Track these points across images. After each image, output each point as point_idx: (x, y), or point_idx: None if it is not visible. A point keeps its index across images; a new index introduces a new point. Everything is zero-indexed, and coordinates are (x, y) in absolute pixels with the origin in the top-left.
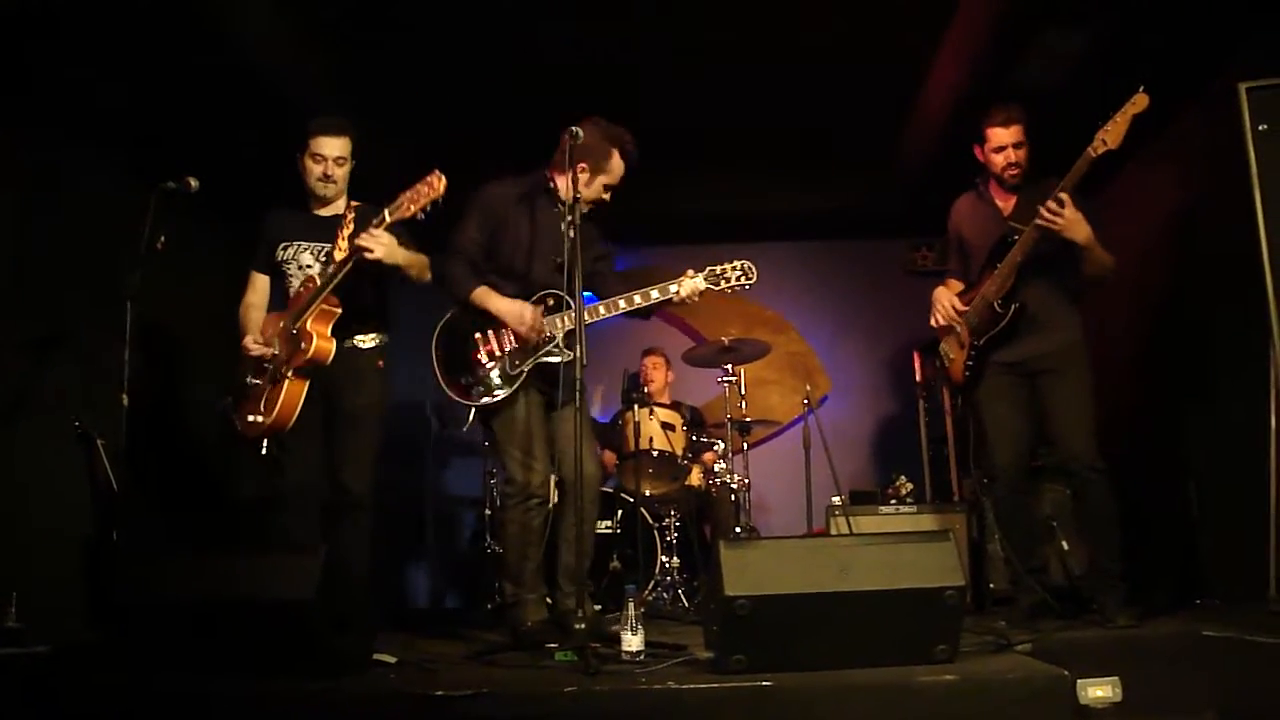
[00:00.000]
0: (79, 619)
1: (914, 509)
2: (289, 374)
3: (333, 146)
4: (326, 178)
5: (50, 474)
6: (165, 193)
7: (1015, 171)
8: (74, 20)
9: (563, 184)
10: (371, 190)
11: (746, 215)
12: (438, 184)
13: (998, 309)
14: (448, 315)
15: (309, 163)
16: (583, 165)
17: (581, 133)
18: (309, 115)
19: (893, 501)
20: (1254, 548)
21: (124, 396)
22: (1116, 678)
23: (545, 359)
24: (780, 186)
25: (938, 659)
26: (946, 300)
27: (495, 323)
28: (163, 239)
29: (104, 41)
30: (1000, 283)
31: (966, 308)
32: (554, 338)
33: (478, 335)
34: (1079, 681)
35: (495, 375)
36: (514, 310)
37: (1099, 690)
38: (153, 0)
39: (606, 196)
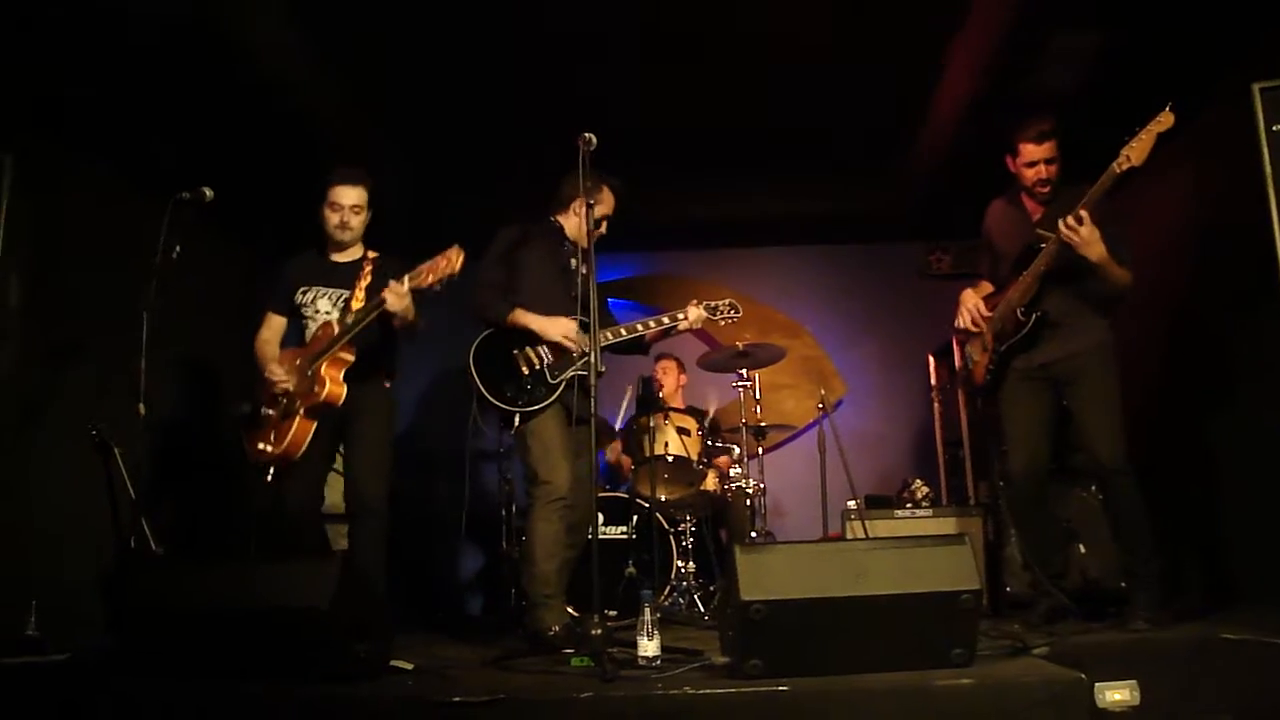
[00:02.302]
0: (97, 626)
1: (929, 513)
2: (300, 411)
3: (349, 195)
4: (343, 225)
5: (68, 483)
6: (180, 203)
7: (1045, 188)
8: (85, 35)
9: (568, 225)
10: (383, 203)
11: (761, 220)
12: (455, 260)
13: (1020, 316)
14: (481, 336)
15: (327, 211)
16: (579, 200)
17: (594, 139)
18: (325, 129)
19: (908, 505)
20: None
21: (141, 406)
22: (1134, 681)
23: (580, 371)
24: (794, 191)
25: (954, 663)
26: (972, 303)
27: (532, 340)
28: (178, 249)
29: (118, 56)
30: (1024, 290)
31: (991, 313)
32: (587, 353)
33: (516, 352)
34: (1097, 685)
35: (537, 385)
36: (552, 324)
37: (1117, 694)
38: (168, 16)
39: (603, 228)
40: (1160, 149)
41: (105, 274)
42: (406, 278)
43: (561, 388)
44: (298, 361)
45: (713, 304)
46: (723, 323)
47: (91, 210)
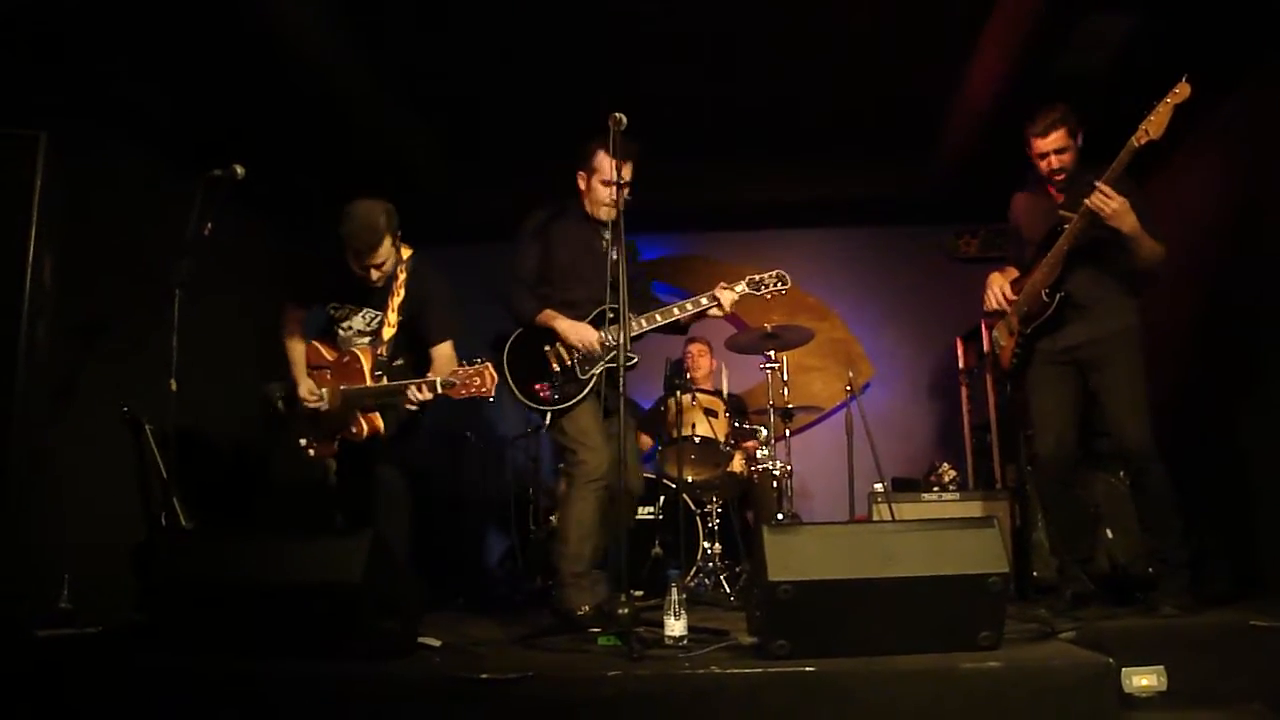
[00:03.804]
0: (128, 601)
1: (956, 496)
2: (339, 438)
3: (375, 257)
4: (372, 281)
5: (100, 459)
6: (212, 180)
7: (1060, 176)
8: (117, 11)
9: (589, 204)
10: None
11: (790, 202)
12: (489, 384)
13: (1044, 298)
14: (514, 335)
15: (353, 263)
16: (582, 174)
17: (624, 119)
18: (354, 105)
19: (935, 489)
20: None
21: (172, 382)
22: (1161, 666)
23: (611, 364)
24: (824, 173)
25: (981, 646)
26: (998, 285)
27: (560, 337)
28: (209, 226)
29: (148, 33)
30: (1048, 271)
31: (1016, 297)
32: (615, 346)
33: (547, 349)
34: (1124, 670)
35: (568, 382)
36: (574, 331)
37: (1144, 679)
38: None
39: (608, 195)
40: (1193, 132)
41: (138, 250)
42: (439, 382)
43: (592, 381)
44: (328, 376)
45: (756, 278)
46: (769, 296)
47: (124, 186)
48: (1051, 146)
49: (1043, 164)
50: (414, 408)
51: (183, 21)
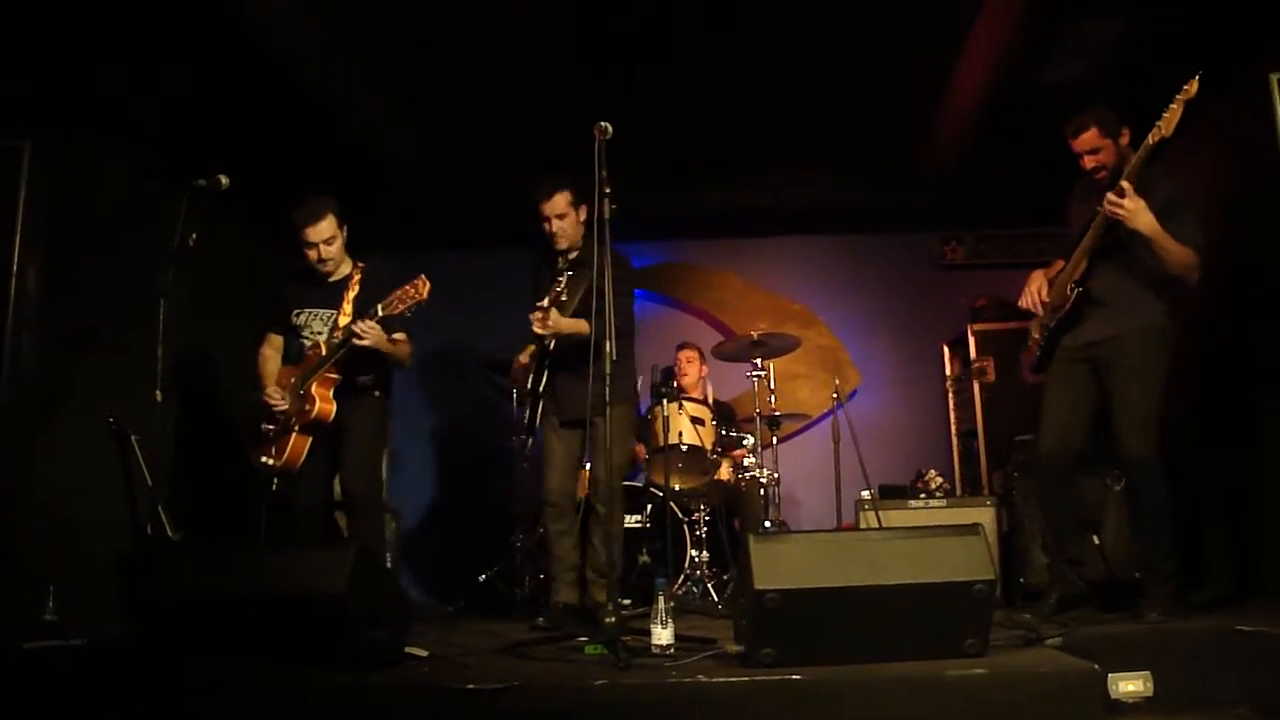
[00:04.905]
0: (114, 612)
1: (943, 503)
2: (296, 427)
3: (317, 233)
4: (321, 260)
5: (86, 469)
6: (196, 190)
7: (1101, 174)
8: (103, 20)
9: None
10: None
11: (776, 209)
12: (423, 289)
13: (1068, 292)
14: None
15: (305, 249)
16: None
17: (609, 128)
18: (339, 112)
19: (922, 495)
20: None
21: (158, 393)
22: (1148, 672)
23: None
24: (810, 180)
25: (968, 652)
26: (1035, 284)
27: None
28: (194, 236)
29: (135, 41)
30: (1075, 266)
31: (1050, 297)
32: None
33: None
34: (1110, 675)
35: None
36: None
37: (1130, 684)
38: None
39: (551, 228)
40: (1181, 137)
41: (122, 261)
42: (379, 307)
43: (532, 406)
44: (291, 380)
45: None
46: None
47: (108, 197)
48: (1084, 147)
49: (1081, 163)
50: (361, 342)
51: (172, 28)
